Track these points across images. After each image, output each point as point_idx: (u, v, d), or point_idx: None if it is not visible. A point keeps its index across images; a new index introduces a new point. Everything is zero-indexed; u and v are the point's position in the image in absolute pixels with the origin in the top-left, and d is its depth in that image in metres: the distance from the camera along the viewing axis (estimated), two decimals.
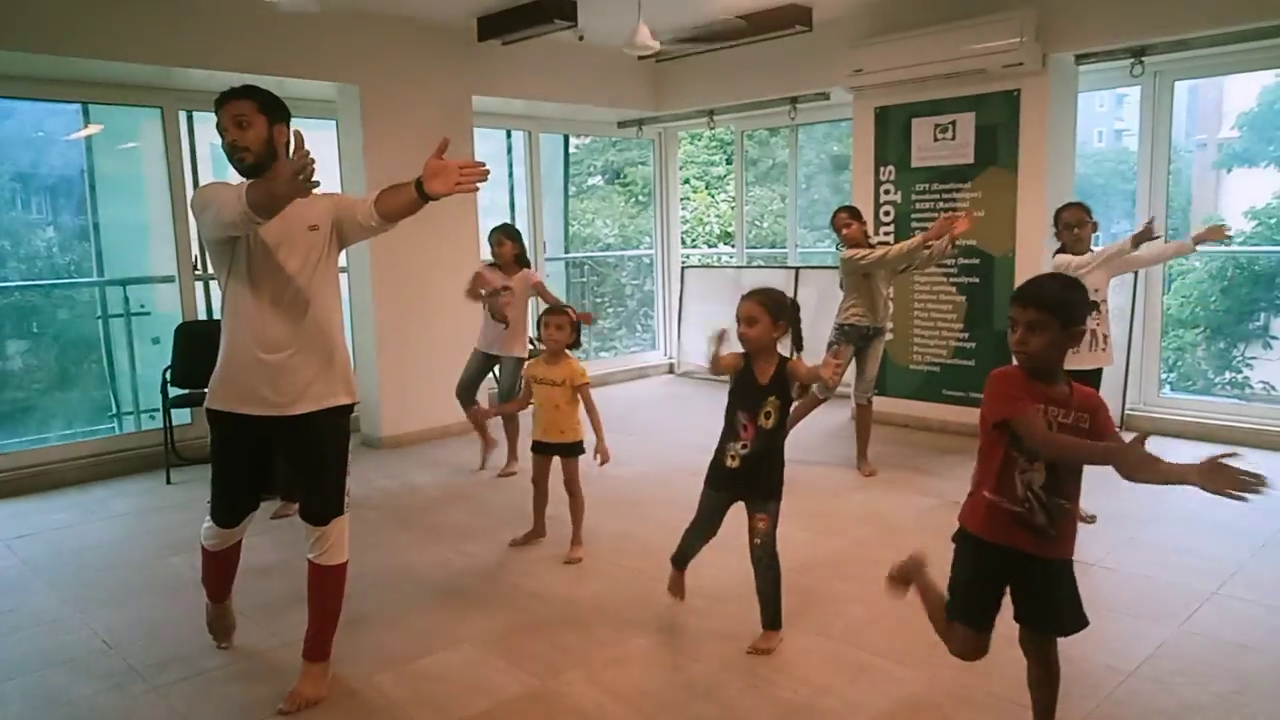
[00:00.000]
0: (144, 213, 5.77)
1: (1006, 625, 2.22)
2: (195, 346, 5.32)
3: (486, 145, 7.10)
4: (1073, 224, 4.19)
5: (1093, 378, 4.09)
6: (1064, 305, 2.08)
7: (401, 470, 5.37)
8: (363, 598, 3.41)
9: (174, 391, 5.28)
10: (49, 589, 3.65)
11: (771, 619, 2.98)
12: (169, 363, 5.31)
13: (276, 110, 2.57)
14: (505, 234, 5.08)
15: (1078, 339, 2.10)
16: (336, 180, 5.91)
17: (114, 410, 5.92)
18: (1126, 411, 5.72)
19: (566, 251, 8.60)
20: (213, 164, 5.85)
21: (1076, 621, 2.16)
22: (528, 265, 5.20)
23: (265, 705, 2.66)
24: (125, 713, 2.66)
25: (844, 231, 4.90)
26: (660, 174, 8.48)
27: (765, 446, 2.88)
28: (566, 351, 3.83)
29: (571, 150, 11.54)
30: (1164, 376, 6.02)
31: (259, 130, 2.52)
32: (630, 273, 9.36)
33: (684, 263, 8.58)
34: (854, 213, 4.98)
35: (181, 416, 5.47)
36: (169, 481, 5.15)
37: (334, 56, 5.49)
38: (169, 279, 5.67)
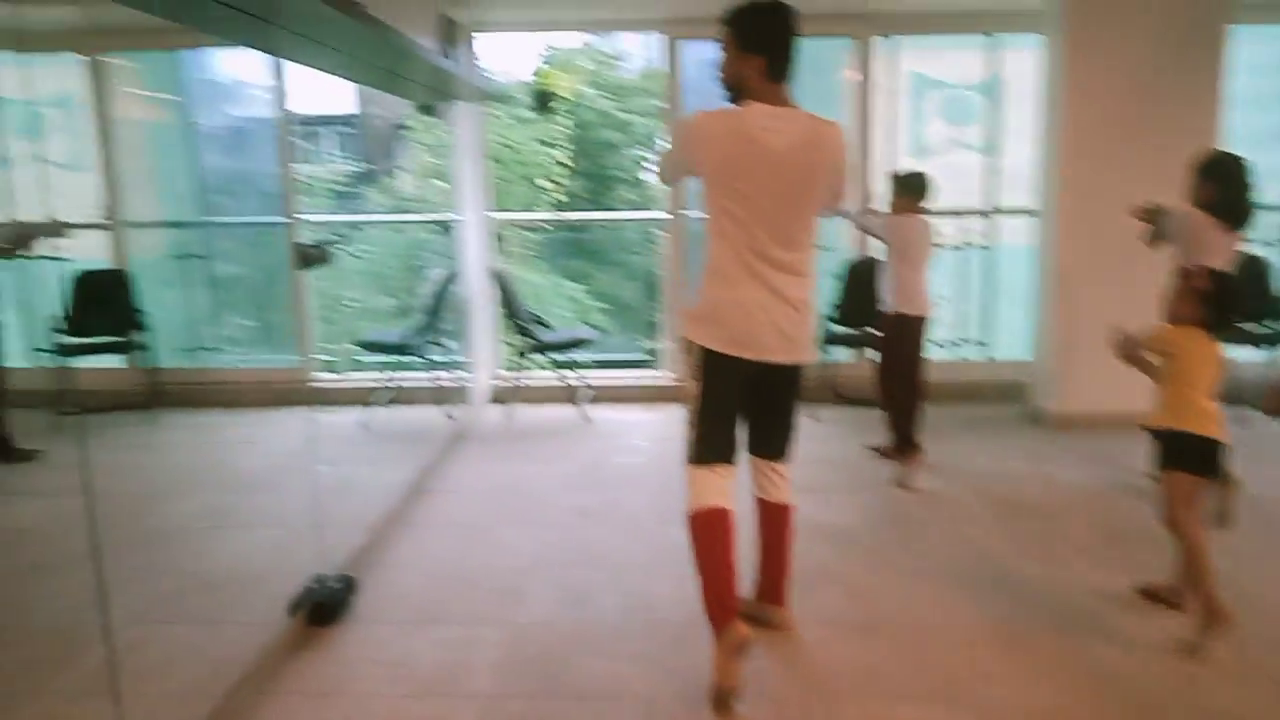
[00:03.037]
0: None
1: None
2: (859, 285, 5.26)
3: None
4: None
5: None
6: None
7: (1048, 455, 4.47)
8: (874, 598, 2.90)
9: (834, 330, 5.37)
10: (646, 495, 4.00)
11: None
12: (838, 300, 5.42)
13: (747, 37, 2.34)
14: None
15: None
16: (1030, 114, 5.04)
17: None
18: None
19: None
20: (911, 94, 5.59)
21: None
22: None
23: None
24: (620, 634, 2.72)
25: None
26: None
27: None
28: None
29: None
30: None
31: (728, 61, 2.39)
32: None
33: None
34: None
35: (841, 354, 5.51)
36: (817, 419, 5.21)
37: None
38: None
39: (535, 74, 9.22)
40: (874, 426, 4.59)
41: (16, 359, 4.48)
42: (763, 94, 2.34)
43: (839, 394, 5.43)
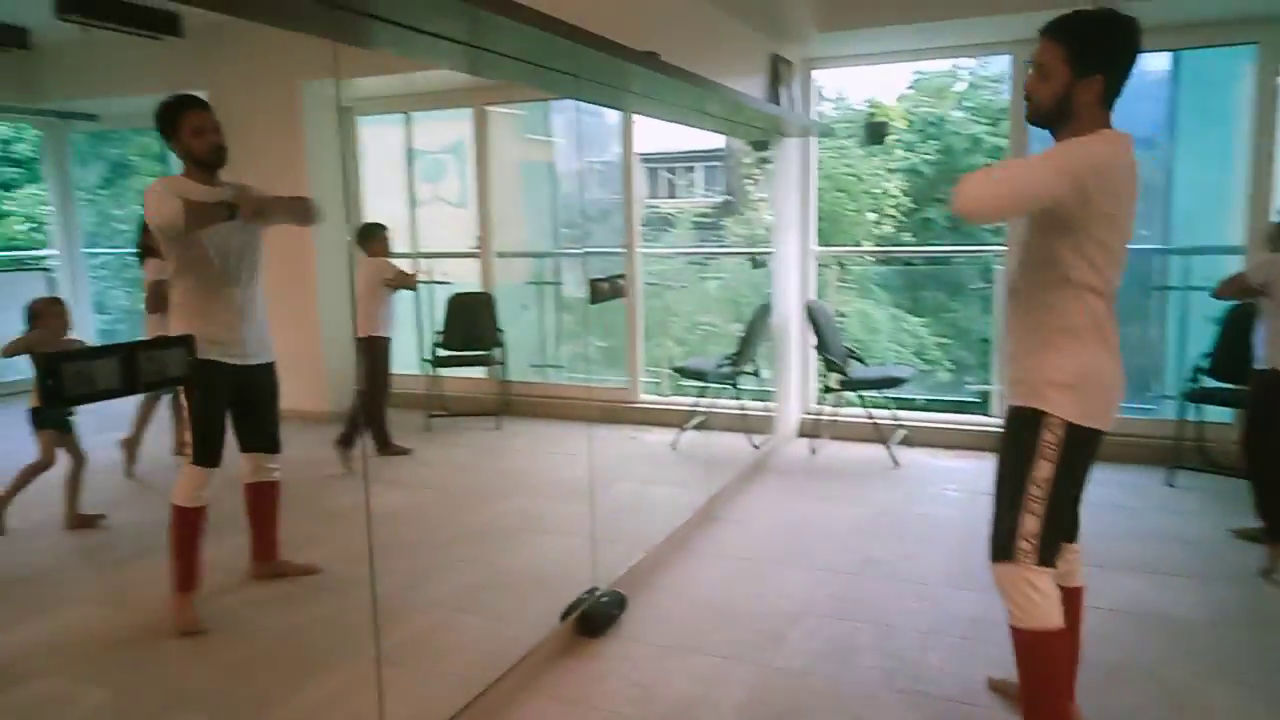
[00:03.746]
0: (1228, 171, 4.95)
1: None
2: (1239, 334, 4.44)
3: None
4: None
5: None
6: None
7: None
8: None
9: (1206, 383, 4.56)
10: (941, 552, 3.70)
11: None
12: (1211, 349, 4.60)
13: (1086, 55, 1.97)
14: None
15: None
16: None
17: (1153, 391, 5.42)
18: None
19: None
20: None
21: None
22: None
23: None
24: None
25: None
26: None
27: None
28: None
29: None
30: None
31: (1053, 83, 2.01)
32: None
33: None
34: None
35: (1213, 413, 4.68)
36: (1170, 484, 4.49)
37: None
38: (1235, 250, 4.77)
39: (869, 106, 9.01)
40: (1244, 502, 3.85)
41: (407, 368, 5.35)
42: (1097, 122, 2.01)
43: (1209, 459, 4.62)
